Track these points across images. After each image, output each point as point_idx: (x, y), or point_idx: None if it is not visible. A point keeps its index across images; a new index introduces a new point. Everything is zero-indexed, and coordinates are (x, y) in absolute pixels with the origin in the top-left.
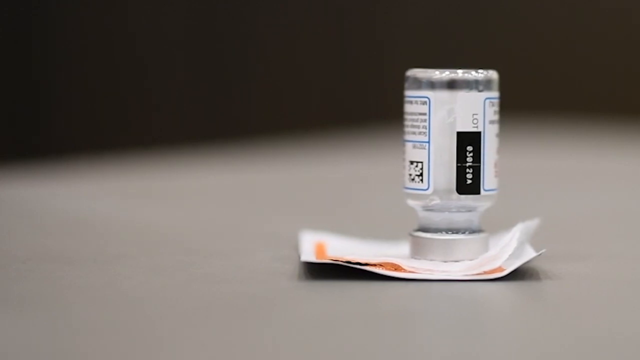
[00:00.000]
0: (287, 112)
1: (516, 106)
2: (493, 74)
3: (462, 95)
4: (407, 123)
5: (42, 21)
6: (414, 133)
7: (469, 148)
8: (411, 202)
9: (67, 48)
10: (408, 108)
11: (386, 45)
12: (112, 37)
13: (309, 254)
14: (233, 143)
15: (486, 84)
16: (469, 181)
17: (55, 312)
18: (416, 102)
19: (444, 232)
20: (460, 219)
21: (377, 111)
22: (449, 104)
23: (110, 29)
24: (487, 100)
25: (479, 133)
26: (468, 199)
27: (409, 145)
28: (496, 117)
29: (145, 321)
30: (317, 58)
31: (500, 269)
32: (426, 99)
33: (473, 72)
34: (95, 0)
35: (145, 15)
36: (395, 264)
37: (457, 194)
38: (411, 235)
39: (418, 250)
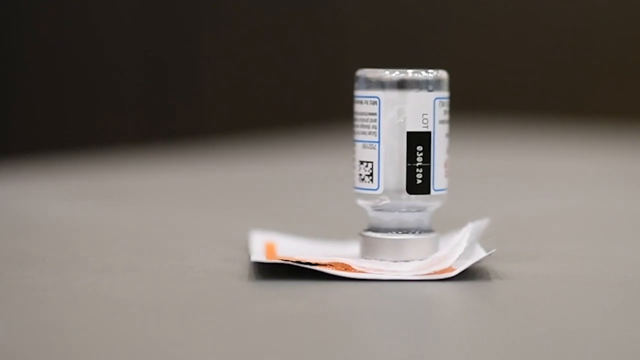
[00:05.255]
0: (238, 112)
1: (466, 106)
2: (443, 74)
3: (412, 95)
4: (357, 123)
5: None
6: (364, 133)
7: (419, 148)
8: (361, 202)
9: (20, 47)
10: (358, 108)
11: (336, 45)
12: (71, 36)
13: (259, 254)
14: (184, 143)
15: (436, 84)
16: (419, 181)
17: (2, 313)
18: (366, 102)
19: (394, 232)
20: (410, 219)
21: (327, 111)
22: (399, 104)
23: (69, 29)
24: (437, 100)
25: (429, 133)
26: (418, 199)
27: (359, 145)
28: (446, 117)
29: (94, 321)
30: (268, 58)
31: (450, 269)
32: (376, 99)
33: (423, 72)
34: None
35: (99, 12)
36: (345, 264)
37: (407, 193)
38: (361, 235)
39: (368, 250)
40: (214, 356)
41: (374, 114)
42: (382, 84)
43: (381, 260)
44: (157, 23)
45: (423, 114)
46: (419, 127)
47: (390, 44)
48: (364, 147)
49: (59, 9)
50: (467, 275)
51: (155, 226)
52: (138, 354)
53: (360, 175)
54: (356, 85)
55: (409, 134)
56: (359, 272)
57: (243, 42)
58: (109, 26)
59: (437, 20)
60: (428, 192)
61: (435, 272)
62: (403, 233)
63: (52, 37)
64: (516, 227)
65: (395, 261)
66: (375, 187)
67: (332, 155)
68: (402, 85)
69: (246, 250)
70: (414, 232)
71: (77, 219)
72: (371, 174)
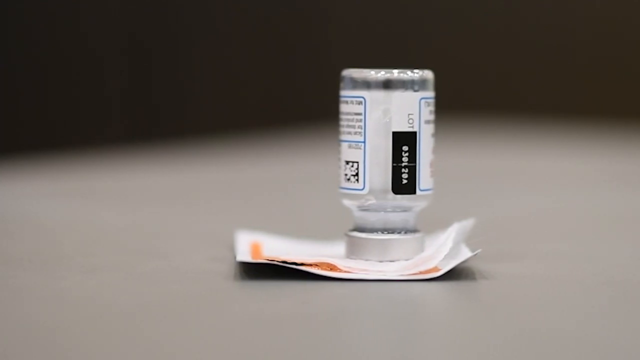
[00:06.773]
0: (224, 112)
1: (452, 106)
2: (428, 74)
3: (397, 95)
4: (342, 123)
5: None
6: (349, 133)
7: (405, 148)
8: (347, 202)
9: (2, 45)
10: (344, 108)
11: (322, 45)
12: (56, 34)
13: (244, 254)
14: (169, 143)
15: (421, 84)
16: (405, 181)
17: None
18: (352, 102)
19: (379, 232)
20: (396, 218)
21: (313, 111)
22: (385, 104)
23: (54, 28)
24: (423, 100)
25: (414, 133)
26: (404, 199)
27: (344, 145)
28: (432, 117)
29: (80, 321)
30: (255, 58)
31: (435, 269)
32: (362, 99)
33: (408, 72)
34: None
35: (86, 8)
36: (331, 264)
37: (392, 193)
38: (347, 235)
39: (354, 250)
40: (200, 356)
41: (360, 114)
42: (367, 84)
43: (367, 260)
44: (145, 21)
45: (409, 114)
46: (404, 127)
47: (376, 44)
48: (350, 147)
49: (43, 7)
50: (452, 275)
51: (141, 226)
52: (124, 354)
53: (346, 175)
54: (342, 85)
55: (395, 134)
56: (345, 272)
57: (229, 41)
58: (94, 22)
59: (423, 20)
60: (414, 192)
61: (421, 272)
62: (389, 233)
63: (36, 36)
64: (502, 227)
65: (380, 261)
66: (361, 187)
67: (318, 155)
68: (387, 85)
69: (232, 250)
70: (399, 232)
71: (62, 219)
72: (357, 174)
